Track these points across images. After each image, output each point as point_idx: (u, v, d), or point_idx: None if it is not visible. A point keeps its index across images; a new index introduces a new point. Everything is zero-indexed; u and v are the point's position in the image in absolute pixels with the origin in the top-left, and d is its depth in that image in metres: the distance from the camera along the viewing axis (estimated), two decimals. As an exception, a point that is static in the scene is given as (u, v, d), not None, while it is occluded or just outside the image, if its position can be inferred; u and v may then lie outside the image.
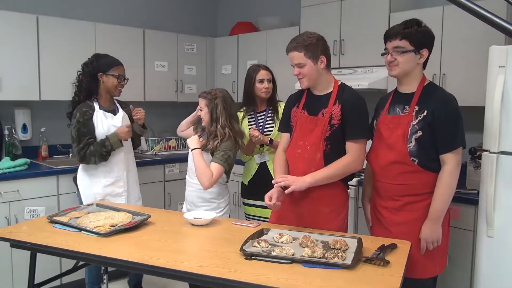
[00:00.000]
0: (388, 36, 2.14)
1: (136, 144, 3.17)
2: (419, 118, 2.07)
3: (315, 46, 2.19)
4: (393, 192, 2.16)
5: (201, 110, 2.66)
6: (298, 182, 2.12)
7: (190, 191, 2.74)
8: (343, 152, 2.21)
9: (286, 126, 2.41)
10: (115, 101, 3.00)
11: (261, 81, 2.83)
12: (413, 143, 2.08)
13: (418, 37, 2.08)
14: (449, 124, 2.04)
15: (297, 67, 2.22)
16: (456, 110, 2.07)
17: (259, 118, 2.90)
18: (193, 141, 2.60)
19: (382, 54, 2.19)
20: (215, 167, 2.52)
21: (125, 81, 2.94)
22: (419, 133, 2.07)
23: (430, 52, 2.13)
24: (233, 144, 2.60)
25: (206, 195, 2.66)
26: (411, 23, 2.10)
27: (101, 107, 2.87)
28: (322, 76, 2.24)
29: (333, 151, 2.21)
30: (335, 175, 2.19)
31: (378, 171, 2.21)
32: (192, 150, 2.58)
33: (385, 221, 2.20)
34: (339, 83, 2.29)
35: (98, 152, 2.77)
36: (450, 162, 2.04)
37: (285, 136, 2.42)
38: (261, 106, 2.92)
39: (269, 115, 2.89)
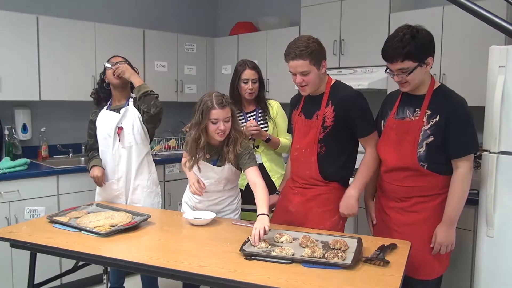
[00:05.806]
0: (388, 58, 2.01)
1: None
2: (431, 123, 2.03)
3: (319, 52, 2.13)
4: (401, 194, 2.13)
5: (228, 121, 2.27)
6: (347, 206, 2.21)
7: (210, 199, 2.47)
8: (339, 152, 2.24)
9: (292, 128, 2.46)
10: (131, 96, 2.82)
11: (246, 81, 2.72)
12: (424, 148, 2.04)
13: (418, 52, 1.95)
14: (462, 130, 2.01)
15: (301, 75, 2.13)
16: (469, 115, 2.02)
17: (249, 119, 2.78)
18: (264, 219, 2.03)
19: (386, 72, 2.08)
20: (256, 171, 2.25)
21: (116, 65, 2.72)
22: (431, 138, 2.03)
23: (434, 54, 2.05)
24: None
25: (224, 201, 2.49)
26: (406, 37, 1.94)
27: (109, 107, 2.82)
28: (322, 80, 2.23)
29: (329, 152, 2.22)
30: (370, 173, 2.23)
31: (386, 173, 2.18)
32: (261, 215, 2.05)
33: (391, 222, 2.17)
34: (333, 82, 2.26)
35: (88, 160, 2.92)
36: (463, 166, 2.02)
37: None
38: (249, 106, 2.81)
39: (259, 115, 2.79)
